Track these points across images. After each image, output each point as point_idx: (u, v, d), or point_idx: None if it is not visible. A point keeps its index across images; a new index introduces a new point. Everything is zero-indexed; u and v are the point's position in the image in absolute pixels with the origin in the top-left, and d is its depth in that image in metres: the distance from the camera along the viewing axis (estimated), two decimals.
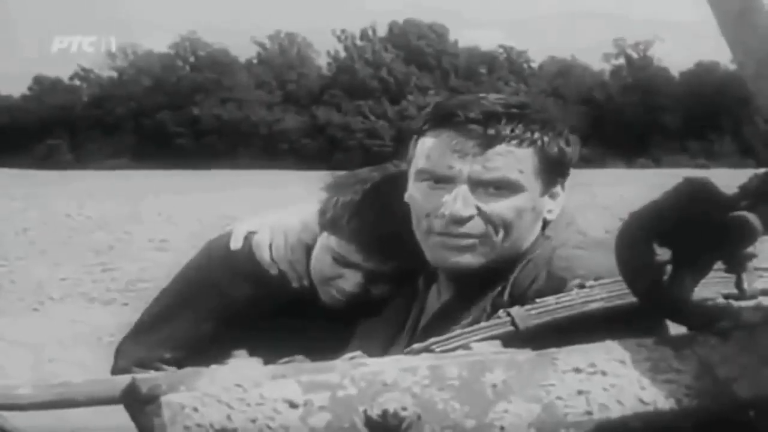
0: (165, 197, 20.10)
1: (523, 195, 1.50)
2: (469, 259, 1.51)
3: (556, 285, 1.37)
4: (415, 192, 1.56)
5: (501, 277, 1.51)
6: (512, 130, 1.49)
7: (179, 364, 1.79)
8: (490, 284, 1.51)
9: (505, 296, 1.48)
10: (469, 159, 1.49)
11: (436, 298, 1.64)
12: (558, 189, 1.56)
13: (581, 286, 1.21)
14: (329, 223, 1.80)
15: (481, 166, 1.49)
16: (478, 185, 1.49)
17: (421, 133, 1.56)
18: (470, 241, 1.50)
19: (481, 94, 1.58)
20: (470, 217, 1.49)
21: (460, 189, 1.49)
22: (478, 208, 1.49)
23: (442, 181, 1.51)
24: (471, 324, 1.39)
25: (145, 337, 1.96)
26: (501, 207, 1.49)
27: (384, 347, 1.65)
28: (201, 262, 2.07)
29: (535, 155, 1.51)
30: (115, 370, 1.91)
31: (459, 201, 1.49)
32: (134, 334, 1.99)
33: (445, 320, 1.53)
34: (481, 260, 1.51)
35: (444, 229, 1.51)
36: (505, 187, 1.49)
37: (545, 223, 1.55)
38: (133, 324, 2.03)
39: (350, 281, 1.80)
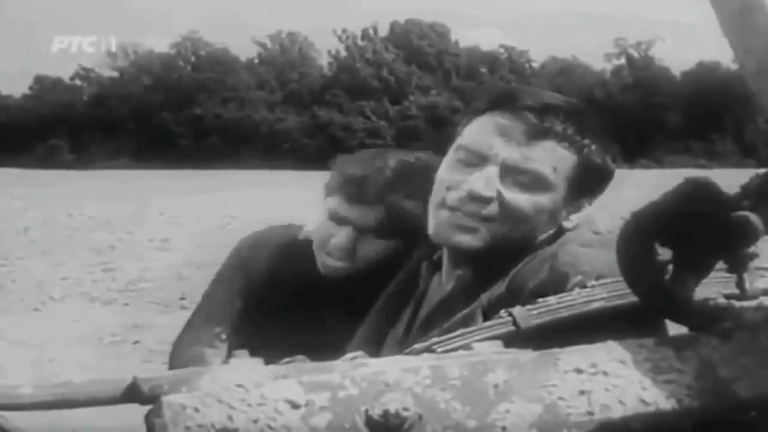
0: (166, 197, 20.12)
1: (548, 195, 1.49)
2: (468, 241, 1.50)
3: (559, 280, 1.37)
4: (444, 164, 1.55)
5: (502, 271, 1.49)
6: (564, 129, 1.48)
7: (229, 341, 1.98)
8: (491, 277, 1.50)
9: (504, 288, 1.46)
10: (512, 145, 1.48)
11: (438, 287, 1.63)
12: (584, 202, 1.55)
13: (583, 286, 1.21)
14: (328, 187, 1.89)
15: (520, 154, 1.48)
16: (509, 172, 1.48)
17: (474, 113, 1.55)
18: (476, 223, 1.49)
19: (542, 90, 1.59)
20: (489, 199, 1.48)
21: (490, 170, 1.49)
22: (499, 193, 1.48)
23: (475, 158, 1.50)
24: (467, 317, 1.45)
25: (194, 324, 2.06)
26: (522, 199, 1.48)
27: (379, 339, 1.66)
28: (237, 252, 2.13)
29: (575, 160, 1.50)
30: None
31: (482, 179, 1.48)
32: (185, 328, 2.08)
33: (444, 312, 1.52)
34: (479, 243, 1.50)
35: (457, 204, 1.50)
36: (533, 181, 1.48)
37: (561, 231, 1.54)
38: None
39: (340, 236, 1.86)
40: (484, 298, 1.48)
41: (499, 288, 1.48)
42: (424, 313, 1.61)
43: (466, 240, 1.50)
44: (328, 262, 1.89)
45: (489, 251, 1.50)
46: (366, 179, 1.83)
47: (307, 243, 1.95)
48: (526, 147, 1.48)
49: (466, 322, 1.42)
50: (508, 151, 1.48)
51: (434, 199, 1.55)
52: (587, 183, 1.53)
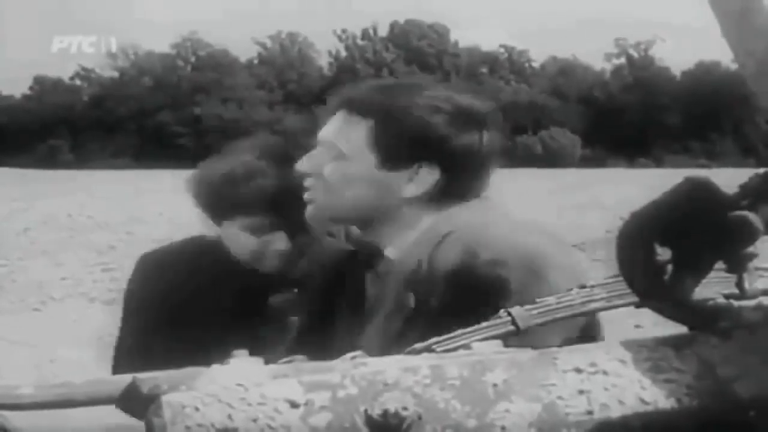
0: (166, 197, 20.08)
1: (347, 163, 1.64)
2: (308, 211, 1.69)
3: (469, 258, 1.48)
4: None
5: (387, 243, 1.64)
6: (350, 99, 1.69)
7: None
8: (402, 263, 1.59)
9: (425, 268, 1.53)
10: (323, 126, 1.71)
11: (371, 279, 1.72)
12: (414, 172, 1.64)
13: (582, 286, 1.21)
14: (222, 209, 1.96)
15: (325, 130, 1.70)
16: (322, 146, 1.69)
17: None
18: (308, 196, 1.69)
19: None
20: (308, 174, 1.68)
21: (312, 151, 1.71)
22: (317, 167, 1.67)
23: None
24: (399, 301, 1.54)
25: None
26: (330, 168, 1.66)
27: (322, 336, 1.71)
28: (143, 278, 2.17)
29: (368, 126, 1.64)
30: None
31: (305, 159, 1.70)
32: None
33: (373, 309, 1.62)
34: (312, 213, 1.69)
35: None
36: (334, 152, 1.66)
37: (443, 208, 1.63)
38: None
39: (279, 241, 1.90)
40: (410, 280, 1.55)
41: (420, 269, 1.54)
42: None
43: (307, 210, 1.70)
44: (272, 261, 1.93)
45: (343, 222, 1.73)
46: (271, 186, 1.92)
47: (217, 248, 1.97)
48: (332, 118, 1.68)
49: (399, 303, 1.54)
50: (322, 130, 1.70)
51: None
52: (395, 150, 1.63)
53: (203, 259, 2.03)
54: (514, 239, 1.52)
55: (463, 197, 1.64)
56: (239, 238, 1.95)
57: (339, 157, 1.64)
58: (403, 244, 1.62)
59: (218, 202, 1.94)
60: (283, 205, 1.87)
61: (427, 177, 1.62)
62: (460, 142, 1.62)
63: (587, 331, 1.39)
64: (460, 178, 1.63)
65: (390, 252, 1.64)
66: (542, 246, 1.53)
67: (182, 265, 2.05)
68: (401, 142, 1.62)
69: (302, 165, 1.70)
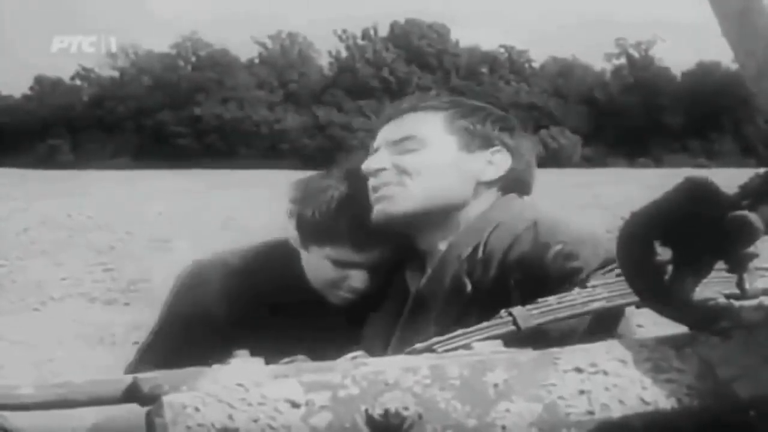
0: (166, 197, 20.10)
1: (426, 151, 1.69)
2: (388, 207, 1.69)
3: (540, 250, 1.52)
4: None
5: (441, 237, 1.68)
6: (421, 100, 1.77)
7: None
8: (457, 248, 1.64)
9: (481, 253, 1.59)
10: (386, 127, 1.74)
11: (412, 280, 1.75)
12: (491, 154, 1.72)
13: (583, 286, 1.22)
14: (316, 235, 1.84)
15: (395, 127, 1.73)
16: (390, 145, 1.71)
17: None
18: (385, 190, 1.69)
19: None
20: (381, 169, 1.69)
21: (378, 152, 1.73)
22: (392, 163, 1.70)
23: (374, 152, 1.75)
24: (455, 280, 1.59)
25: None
26: (406, 159, 1.69)
27: (386, 339, 1.70)
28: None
29: (444, 117, 1.72)
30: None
31: (374, 158, 1.72)
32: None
33: (425, 299, 1.65)
34: (398, 207, 1.69)
35: (371, 187, 1.72)
36: (413, 144, 1.70)
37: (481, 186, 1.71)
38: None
39: (358, 279, 1.83)
40: (464, 263, 1.60)
41: (475, 254, 1.60)
42: (408, 307, 1.70)
43: (386, 207, 1.69)
44: (345, 296, 1.88)
45: (418, 216, 1.68)
46: (362, 220, 1.80)
47: (286, 256, 1.93)
48: (396, 120, 1.73)
49: (458, 287, 1.58)
50: (385, 133, 1.73)
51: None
52: (472, 136, 1.71)
53: (282, 266, 1.98)
54: (581, 232, 1.58)
55: (522, 190, 1.75)
56: (321, 266, 1.89)
57: (415, 149, 1.69)
58: (455, 233, 1.67)
59: (314, 227, 1.88)
60: (373, 245, 1.83)
61: (502, 161, 1.72)
62: (522, 135, 1.77)
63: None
64: (525, 169, 1.75)
65: (443, 245, 1.68)
66: (606, 238, 1.59)
67: (264, 272, 2.01)
68: (479, 122, 1.72)
69: (373, 162, 1.71)
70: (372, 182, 1.70)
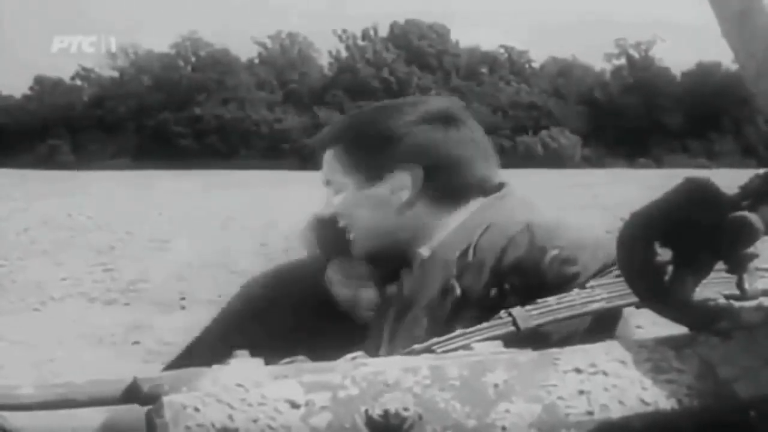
0: (166, 197, 20.11)
1: (344, 193, 1.71)
2: (353, 249, 1.74)
3: (537, 254, 1.49)
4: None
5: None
6: (331, 137, 1.76)
7: None
8: (444, 251, 1.63)
9: (469, 257, 1.57)
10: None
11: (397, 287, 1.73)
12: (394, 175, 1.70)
13: (583, 286, 1.22)
14: (333, 249, 1.89)
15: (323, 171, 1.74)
16: (330, 185, 1.75)
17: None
18: (348, 234, 1.73)
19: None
20: (332, 215, 1.74)
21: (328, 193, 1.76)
22: (334, 206, 1.73)
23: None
24: (445, 289, 1.57)
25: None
26: (337, 199, 1.72)
27: (378, 342, 1.71)
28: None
29: (340, 149, 1.72)
30: None
31: (324, 206, 1.76)
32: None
33: (410, 303, 1.64)
34: (358, 249, 1.73)
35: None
36: (336, 185, 1.72)
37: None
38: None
39: (370, 291, 1.85)
40: (452, 266, 1.58)
41: (465, 257, 1.58)
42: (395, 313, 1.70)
43: (353, 248, 1.73)
44: (366, 311, 1.91)
45: (382, 251, 1.70)
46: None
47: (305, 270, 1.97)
48: (324, 156, 1.75)
49: (446, 290, 1.56)
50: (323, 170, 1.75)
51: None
52: (364, 163, 1.71)
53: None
54: (579, 235, 1.56)
55: (467, 189, 1.68)
56: (337, 280, 1.94)
57: (339, 190, 1.72)
58: (436, 240, 1.65)
59: (324, 239, 1.95)
60: (376, 257, 1.86)
61: (406, 178, 1.67)
62: (423, 138, 1.68)
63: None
64: (446, 172, 1.67)
65: (424, 250, 1.66)
66: (607, 241, 1.56)
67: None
68: (366, 155, 1.69)
69: (325, 209, 1.74)
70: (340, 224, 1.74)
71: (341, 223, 1.72)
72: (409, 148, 1.67)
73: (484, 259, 1.55)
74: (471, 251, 1.57)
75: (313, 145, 1.80)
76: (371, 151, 1.68)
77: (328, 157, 1.73)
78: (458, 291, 1.55)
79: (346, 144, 1.71)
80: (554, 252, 1.48)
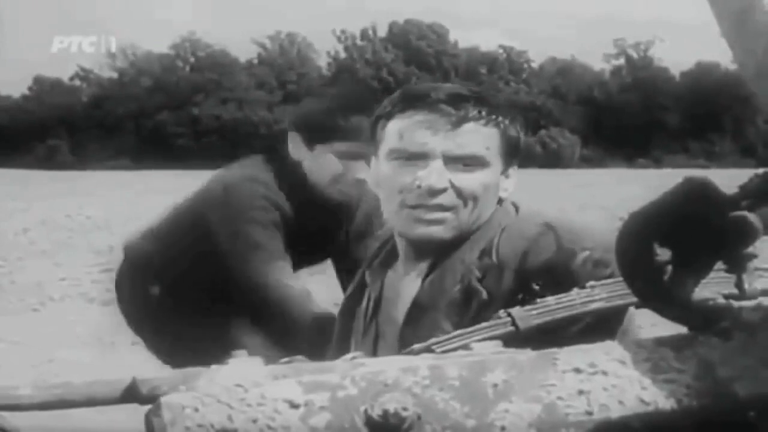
0: (165, 197, 20.03)
1: (488, 170, 1.62)
2: (441, 232, 1.61)
3: (566, 256, 1.50)
4: (386, 170, 1.64)
5: (469, 248, 1.63)
6: (479, 112, 1.61)
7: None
8: (462, 253, 1.62)
9: (493, 259, 1.57)
10: (441, 136, 1.59)
11: (397, 282, 1.71)
12: (512, 170, 1.69)
13: (582, 286, 1.21)
14: (324, 133, 2.27)
15: (453, 143, 1.60)
16: (449, 161, 1.60)
17: (388, 116, 1.64)
18: (442, 214, 1.61)
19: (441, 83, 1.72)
20: (444, 189, 1.60)
21: (435, 163, 1.59)
22: (451, 182, 1.60)
23: (415, 158, 1.60)
24: (467, 291, 1.56)
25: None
26: (470, 180, 1.61)
27: (347, 341, 1.71)
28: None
29: (499, 135, 1.63)
30: None
31: (434, 174, 1.59)
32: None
33: (425, 307, 1.62)
34: (451, 233, 1.62)
35: (418, 201, 1.61)
36: (474, 163, 1.61)
37: (499, 201, 1.68)
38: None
39: (359, 169, 2.21)
40: (473, 270, 1.58)
41: (484, 259, 1.58)
42: (403, 309, 1.66)
43: (438, 231, 1.61)
44: (343, 191, 2.38)
45: (455, 235, 1.62)
46: None
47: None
48: (453, 134, 1.59)
49: (469, 294, 1.56)
50: (441, 143, 1.60)
51: (390, 203, 1.65)
52: (511, 153, 1.67)
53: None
54: (603, 237, 1.54)
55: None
56: (327, 162, 2.23)
57: (474, 168, 1.61)
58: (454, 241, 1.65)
59: (321, 125, 2.21)
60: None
61: (515, 176, 1.70)
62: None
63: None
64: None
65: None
66: None
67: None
68: (517, 143, 1.69)
69: (435, 180, 1.59)
70: (419, 197, 1.60)
71: (430, 200, 1.60)
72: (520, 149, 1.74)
73: (505, 261, 1.56)
74: (494, 252, 1.58)
75: (460, 110, 1.61)
76: (518, 138, 1.70)
77: (486, 132, 1.62)
78: (484, 294, 1.55)
79: (503, 127, 1.64)
80: (585, 254, 1.49)
